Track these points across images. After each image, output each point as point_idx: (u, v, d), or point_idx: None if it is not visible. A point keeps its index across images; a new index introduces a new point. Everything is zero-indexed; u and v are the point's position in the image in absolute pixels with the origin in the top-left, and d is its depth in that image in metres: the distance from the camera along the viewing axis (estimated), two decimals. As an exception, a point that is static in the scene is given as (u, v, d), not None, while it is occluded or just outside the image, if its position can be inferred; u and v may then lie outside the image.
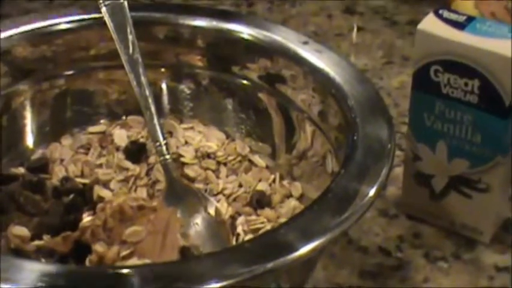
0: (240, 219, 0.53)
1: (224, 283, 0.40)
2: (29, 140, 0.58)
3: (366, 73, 0.68)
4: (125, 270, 0.41)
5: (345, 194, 0.46)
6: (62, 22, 0.58)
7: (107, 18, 0.56)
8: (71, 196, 0.54)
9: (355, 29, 0.76)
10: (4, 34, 0.57)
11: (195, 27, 0.58)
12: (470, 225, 0.55)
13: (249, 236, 0.52)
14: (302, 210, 0.46)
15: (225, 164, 0.57)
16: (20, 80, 0.58)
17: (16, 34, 0.57)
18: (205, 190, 0.55)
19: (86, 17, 0.58)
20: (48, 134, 0.59)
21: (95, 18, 0.58)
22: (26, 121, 0.58)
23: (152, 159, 0.56)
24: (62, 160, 0.57)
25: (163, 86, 0.60)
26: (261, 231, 0.52)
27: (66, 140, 0.59)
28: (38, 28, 0.58)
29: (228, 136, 0.59)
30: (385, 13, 0.77)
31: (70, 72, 0.59)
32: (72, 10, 0.59)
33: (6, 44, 0.57)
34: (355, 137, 0.50)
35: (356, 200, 0.45)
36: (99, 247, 0.49)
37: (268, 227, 0.53)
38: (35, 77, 0.58)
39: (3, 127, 0.57)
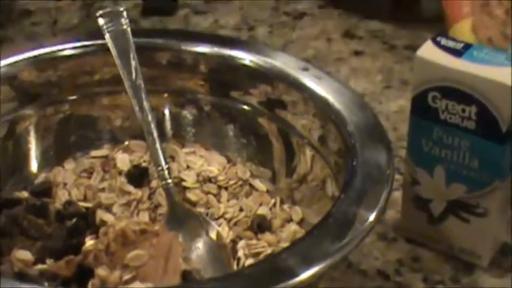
0: (241, 243, 0.54)
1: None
2: (33, 165, 0.59)
3: (365, 97, 0.69)
4: (127, 295, 0.42)
5: (345, 219, 0.47)
6: (67, 48, 0.59)
7: (110, 44, 0.57)
8: (74, 220, 0.55)
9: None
10: (10, 59, 0.58)
11: (198, 53, 0.59)
12: (469, 249, 0.56)
13: (250, 260, 0.53)
14: (303, 235, 0.47)
15: (226, 188, 0.58)
16: (26, 105, 0.59)
17: (22, 59, 0.58)
18: (207, 214, 0.56)
19: (89, 43, 0.59)
20: (52, 158, 0.60)
21: (98, 44, 0.58)
22: (30, 146, 0.59)
23: (154, 183, 0.57)
24: (65, 184, 0.58)
25: (166, 111, 0.61)
26: (261, 256, 0.53)
27: (69, 164, 0.59)
28: (44, 54, 0.59)
29: (229, 160, 0.60)
30: (383, 37, 0.78)
31: (74, 97, 0.60)
32: (76, 36, 0.60)
33: (12, 69, 0.58)
34: (354, 163, 0.50)
35: (356, 225, 0.46)
36: (101, 271, 0.50)
37: (269, 251, 0.53)
38: (40, 102, 0.59)
39: (8, 152, 0.58)
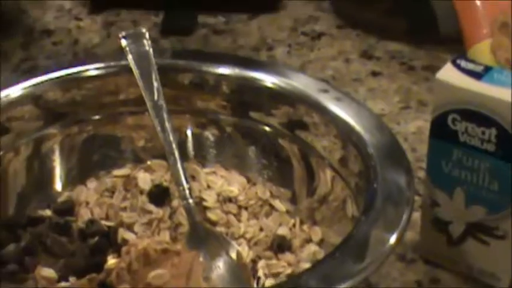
0: (261, 263, 0.55)
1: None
2: (57, 183, 0.60)
3: (383, 118, 0.69)
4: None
5: (365, 240, 0.47)
6: (91, 68, 0.60)
7: (132, 65, 0.58)
8: (96, 238, 0.55)
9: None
10: (36, 80, 0.59)
11: (219, 74, 0.60)
12: (488, 271, 0.56)
13: (270, 280, 0.53)
14: (324, 256, 0.47)
15: (246, 208, 0.58)
16: (51, 124, 0.59)
17: (47, 79, 0.59)
18: (227, 234, 0.56)
19: (113, 63, 0.60)
20: (75, 177, 0.60)
21: (122, 65, 0.59)
22: (54, 164, 0.60)
23: (175, 202, 0.58)
24: (87, 203, 0.59)
25: (189, 132, 0.61)
26: (281, 276, 0.53)
27: (92, 183, 0.60)
28: (68, 74, 0.60)
29: (249, 181, 0.60)
30: (402, 58, 0.79)
31: (98, 117, 0.61)
32: (100, 56, 0.61)
33: (37, 89, 0.59)
34: (375, 184, 0.51)
35: (377, 246, 0.46)
36: (124, 289, 0.50)
37: (289, 271, 0.54)
38: (65, 121, 0.60)
39: (34, 171, 0.59)
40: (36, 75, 0.59)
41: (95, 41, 0.80)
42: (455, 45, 0.71)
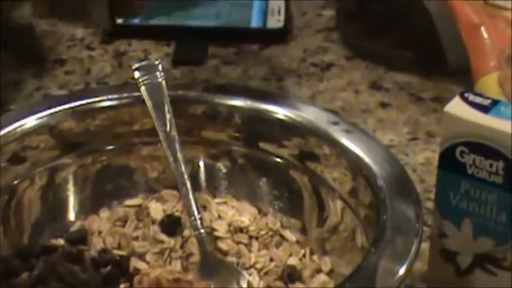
0: (272, 293, 0.55)
1: None
2: (70, 213, 0.61)
3: (392, 149, 0.70)
4: None
5: (375, 271, 0.48)
6: (104, 99, 0.61)
7: (145, 97, 0.59)
8: (109, 267, 0.56)
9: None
10: (50, 110, 0.60)
11: (231, 106, 0.61)
12: (496, 302, 0.57)
13: (280, 310, 0.54)
14: (334, 287, 0.48)
15: (257, 239, 0.59)
16: (65, 154, 0.60)
17: (61, 110, 0.60)
18: (238, 264, 0.57)
19: (126, 94, 0.61)
20: (88, 206, 0.61)
21: (135, 96, 0.60)
22: (68, 194, 0.61)
23: (187, 232, 0.58)
24: (100, 232, 0.59)
25: (201, 163, 0.62)
26: (291, 306, 0.54)
27: (104, 213, 0.61)
28: (82, 104, 0.61)
29: (260, 211, 0.61)
30: (410, 89, 0.79)
31: (112, 147, 0.62)
32: (113, 88, 0.61)
33: (52, 119, 0.60)
34: (384, 216, 0.52)
35: (386, 278, 0.47)
36: (136, 318, 0.51)
37: (299, 301, 0.55)
38: (79, 152, 0.61)
39: (48, 200, 0.60)
40: (51, 106, 0.60)
41: (107, 70, 0.81)
42: (463, 76, 0.72)
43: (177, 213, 0.60)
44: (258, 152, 0.61)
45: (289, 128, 0.59)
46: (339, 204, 0.57)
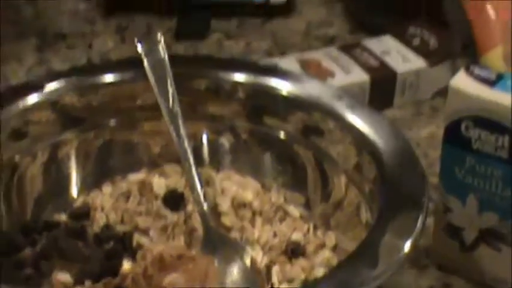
0: (275, 268, 0.55)
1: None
2: (73, 188, 0.60)
3: (396, 124, 0.69)
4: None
5: (380, 247, 0.47)
6: (108, 74, 0.60)
7: (148, 71, 0.58)
8: (111, 243, 0.56)
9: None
10: (52, 85, 0.59)
11: (235, 81, 0.60)
12: (501, 278, 0.56)
13: (284, 285, 0.54)
14: (338, 263, 0.48)
15: (260, 214, 0.59)
16: (67, 130, 0.60)
17: (64, 85, 0.59)
18: (241, 239, 0.57)
19: (129, 69, 0.61)
20: (91, 182, 0.61)
21: (138, 71, 0.59)
22: (70, 170, 0.60)
23: (190, 207, 0.58)
24: (102, 208, 0.59)
25: (204, 138, 0.62)
26: (295, 281, 0.54)
27: (107, 188, 0.61)
28: (85, 79, 0.60)
29: (263, 186, 0.61)
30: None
31: (115, 122, 0.61)
32: (116, 62, 0.61)
33: (54, 94, 0.59)
34: (389, 191, 0.51)
35: (392, 253, 0.47)
36: (139, 294, 0.51)
37: (303, 276, 0.54)
38: (81, 127, 0.60)
39: (51, 176, 0.59)
40: (53, 80, 0.59)
41: (109, 45, 0.81)
42: (467, 51, 0.72)
43: (180, 189, 0.60)
44: (261, 126, 0.60)
45: (293, 103, 0.59)
46: (343, 179, 0.57)
